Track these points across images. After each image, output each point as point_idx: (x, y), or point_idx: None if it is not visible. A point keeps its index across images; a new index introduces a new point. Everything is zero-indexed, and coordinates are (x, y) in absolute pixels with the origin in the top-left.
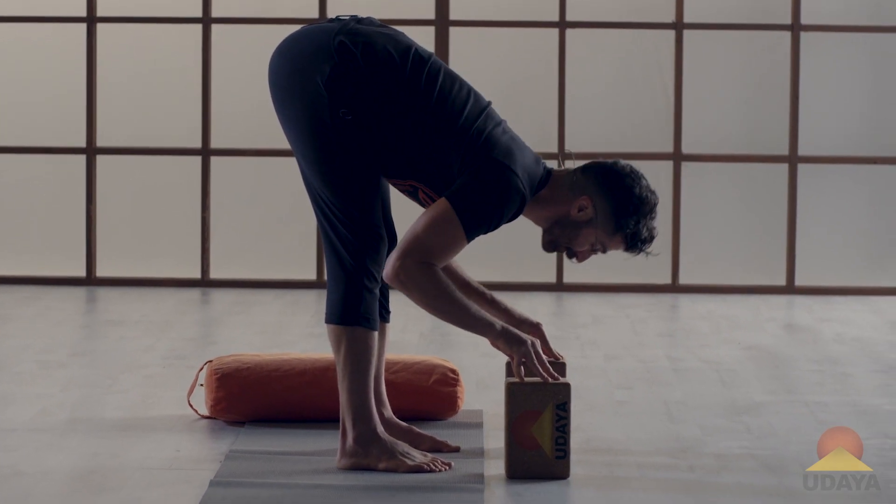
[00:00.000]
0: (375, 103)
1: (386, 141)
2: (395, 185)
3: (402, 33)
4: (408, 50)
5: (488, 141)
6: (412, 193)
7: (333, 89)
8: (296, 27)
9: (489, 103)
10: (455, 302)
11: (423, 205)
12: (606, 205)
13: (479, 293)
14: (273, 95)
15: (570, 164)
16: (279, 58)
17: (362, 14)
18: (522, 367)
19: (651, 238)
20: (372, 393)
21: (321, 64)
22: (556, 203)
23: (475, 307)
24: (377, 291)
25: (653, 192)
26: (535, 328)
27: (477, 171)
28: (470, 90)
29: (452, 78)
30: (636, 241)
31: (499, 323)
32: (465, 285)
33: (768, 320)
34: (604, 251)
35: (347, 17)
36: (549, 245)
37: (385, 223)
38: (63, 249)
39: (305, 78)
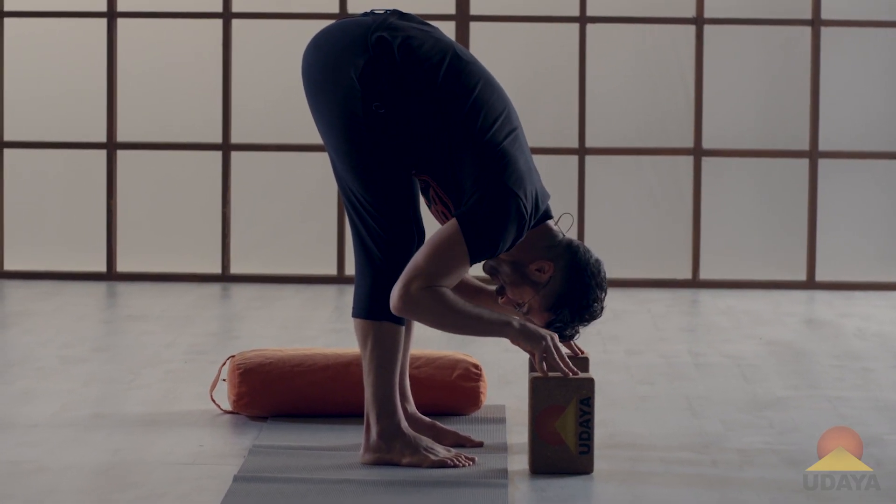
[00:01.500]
0: (406, 100)
1: (411, 136)
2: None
3: (441, 31)
4: (445, 53)
5: (507, 165)
6: (424, 189)
7: (367, 83)
8: (316, 22)
9: (518, 126)
10: (467, 315)
11: (429, 202)
12: (559, 286)
13: (493, 294)
14: (306, 88)
15: (566, 224)
16: (313, 51)
17: (383, 8)
18: (544, 363)
19: (571, 337)
20: (397, 388)
21: (355, 57)
22: (527, 249)
23: (487, 312)
24: None
25: (602, 308)
26: None
27: (487, 196)
28: (505, 107)
29: (491, 88)
30: (558, 330)
31: (515, 320)
32: (478, 290)
33: (789, 315)
34: (526, 313)
35: (383, 12)
36: (490, 269)
37: (415, 219)
38: (83, 244)
39: (339, 71)
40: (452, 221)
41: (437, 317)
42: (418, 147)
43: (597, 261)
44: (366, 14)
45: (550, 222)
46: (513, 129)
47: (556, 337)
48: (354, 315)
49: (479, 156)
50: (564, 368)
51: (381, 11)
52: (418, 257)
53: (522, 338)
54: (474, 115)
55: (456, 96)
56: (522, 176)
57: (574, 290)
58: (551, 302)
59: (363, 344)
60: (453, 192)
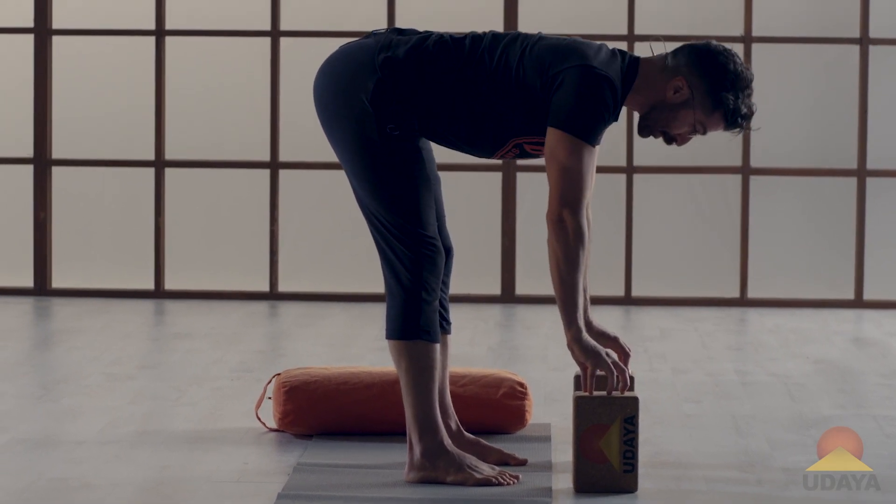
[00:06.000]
0: (437, 100)
1: (466, 129)
2: (503, 157)
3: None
4: (461, 36)
5: (553, 61)
6: (521, 154)
7: (378, 105)
8: None
9: (539, 34)
10: (575, 282)
11: (533, 155)
12: (702, 83)
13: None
14: (319, 116)
15: (659, 49)
16: (322, 78)
17: (427, 28)
18: (595, 379)
19: (750, 114)
20: (437, 405)
21: (365, 81)
22: (651, 88)
23: (581, 301)
24: (436, 304)
25: (747, 69)
26: (613, 341)
27: (562, 86)
28: (517, 34)
29: (513, 37)
30: (736, 117)
31: (584, 330)
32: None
33: (837, 334)
34: (703, 132)
35: (384, 31)
36: (643, 130)
37: (441, 235)
38: (132, 262)
39: (350, 96)
40: (552, 133)
41: (565, 255)
42: (479, 131)
43: (707, 41)
44: (367, 36)
45: (643, 58)
46: (535, 40)
47: (612, 354)
48: (387, 337)
49: (533, 72)
50: (617, 382)
51: (383, 31)
52: (557, 175)
53: (579, 347)
54: (507, 50)
55: (485, 62)
56: (577, 48)
57: (716, 76)
58: (708, 101)
59: (399, 364)
60: (537, 127)
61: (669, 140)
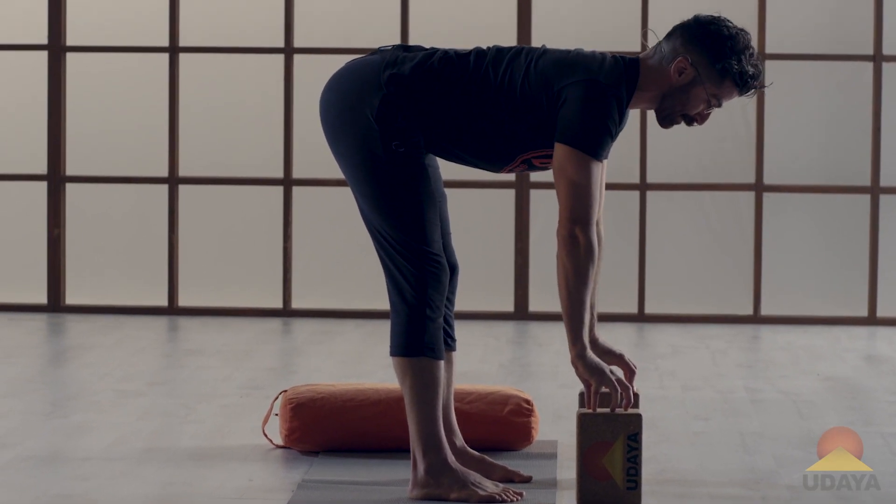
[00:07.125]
0: (442, 116)
1: (471, 145)
2: (512, 171)
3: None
4: (466, 51)
5: (558, 76)
6: (529, 168)
7: (384, 122)
8: None
9: (543, 47)
10: (583, 298)
11: (542, 169)
12: (703, 57)
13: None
14: (325, 132)
15: (653, 39)
16: (328, 95)
17: (440, 44)
18: (598, 396)
19: (758, 73)
20: (441, 423)
21: (370, 98)
22: (656, 80)
23: (587, 318)
24: (440, 321)
25: (742, 30)
26: (618, 358)
27: (568, 101)
28: (521, 48)
29: (516, 51)
30: (745, 79)
31: (588, 347)
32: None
33: (848, 351)
34: (719, 104)
35: (390, 48)
36: (664, 120)
37: (446, 252)
38: (145, 279)
39: (356, 113)
40: (559, 149)
41: (575, 271)
42: (488, 145)
43: (694, 16)
44: (373, 53)
45: (640, 56)
46: (540, 54)
47: (617, 371)
48: (392, 354)
49: (538, 87)
50: (621, 399)
51: (388, 48)
52: (565, 192)
53: (583, 364)
54: (511, 85)
55: (489, 79)
56: (574, 65)
57: (713, 45)
58: (714, 73)
59: (402, 381)
60: (543, 141)
61: (690, 121)
